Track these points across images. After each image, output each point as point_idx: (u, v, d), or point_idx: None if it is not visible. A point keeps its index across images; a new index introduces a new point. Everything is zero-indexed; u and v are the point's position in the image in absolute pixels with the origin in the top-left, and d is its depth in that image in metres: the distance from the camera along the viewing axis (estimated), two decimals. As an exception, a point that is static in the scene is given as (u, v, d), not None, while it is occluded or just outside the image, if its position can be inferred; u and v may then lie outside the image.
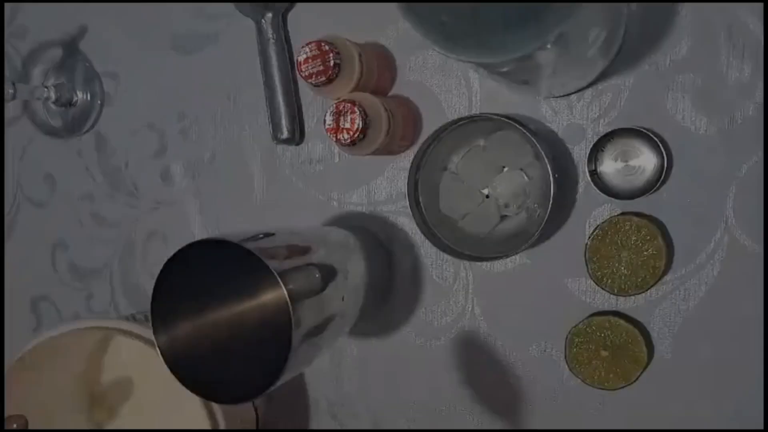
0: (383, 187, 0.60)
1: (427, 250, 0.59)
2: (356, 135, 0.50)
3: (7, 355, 0.76)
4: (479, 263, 0.57)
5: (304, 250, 0.49)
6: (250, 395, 0.45)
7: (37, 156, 0.74)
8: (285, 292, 0.42)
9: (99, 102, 0.70)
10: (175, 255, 0.45)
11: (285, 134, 0.61)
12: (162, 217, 0.69)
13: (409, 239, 0.60)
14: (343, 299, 0.49)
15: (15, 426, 0.45)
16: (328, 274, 0.48)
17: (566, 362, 0.53)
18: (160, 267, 0.69)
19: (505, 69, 0.41)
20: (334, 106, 0.51)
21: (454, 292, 0.59)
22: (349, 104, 0.50)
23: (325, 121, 0.51)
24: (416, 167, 0.53)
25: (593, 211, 0.54)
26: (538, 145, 0.48)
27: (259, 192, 0.65)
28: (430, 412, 0.60)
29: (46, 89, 0.68)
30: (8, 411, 0.49)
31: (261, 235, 0.47)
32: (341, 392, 0.63)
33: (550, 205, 0.49)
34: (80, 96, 0.70)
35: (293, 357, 0.42)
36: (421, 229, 0.53)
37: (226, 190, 0.66)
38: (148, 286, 0.70)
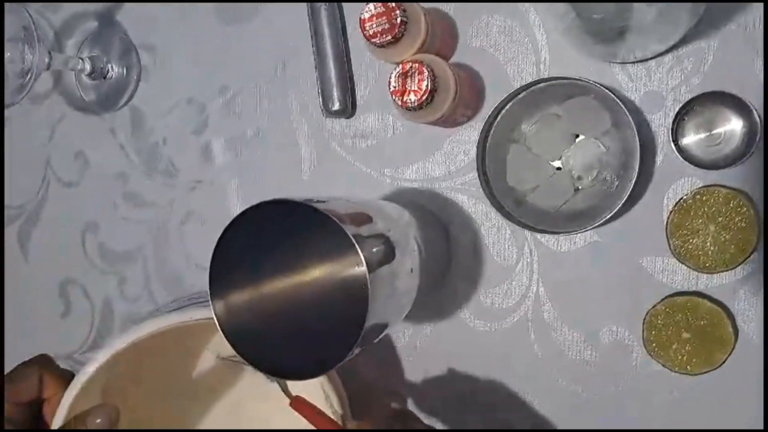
0: (440, 162, 0.57)
1: (488, 228, 0.55)
2: (424, 97, 0.46)
3: (35, 341, 0.73)
4: (545, 242, 0.53)
5: (367, 219, 0.45)
6: (319, 370, 0.41)
7: (68, 133, 0.71)
8: (362, 258, 0.38)
9: (135, 76, 0.67)
10: (235, 219, 0.41)
11: (337, 106, 0.57)
12: (200, 198, 0.65)
13: (468, 217, 0.56)
14: (411, 271, 0.45)
15: (98, 421, 0.41)
16: (397, 243, 0.44)
17: (644, 346, 0.50)
18: (199, 249, 0.66)
19: (600, 14, 0.37)
20: (401, 66, 0.47)
21: (517, 273, 0.55)
22: (417, 64, 0.47)
23: (390, 82, 0.48)
24: (485, 135, 0.49)
25: (672, 185, 0.50)
26: (625, 109, 0.44)
27: (307, 169, 0.61)
28: (488, 401, 0.56)
29: (81, 60, 0.65)
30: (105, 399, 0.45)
31: (318, 200, 0.44)
32: (396, 379, 0.59)
33: (635, 176, 0.45)
34: (116, 69, 0.67)
35: (367, 329, 0.38)
36: (491, 201, 0.49)
37: (271, 167, 0.62)
38: (185, 270, 0.66)
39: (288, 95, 0.61)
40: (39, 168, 0.72)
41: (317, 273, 0.47)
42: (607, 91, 0.45)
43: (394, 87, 0.47)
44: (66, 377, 0.46)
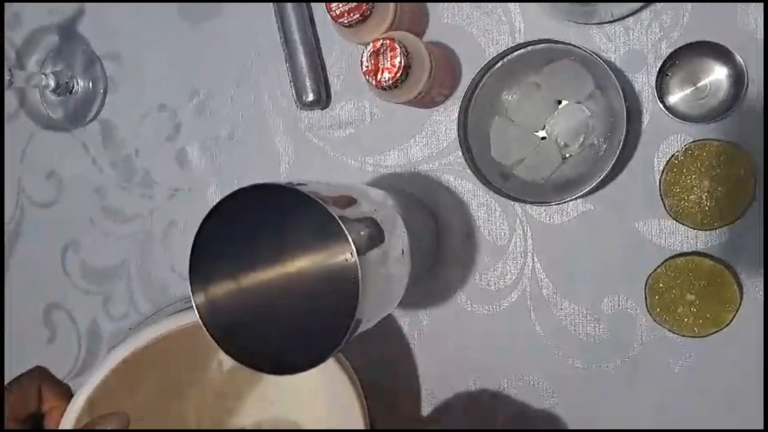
0: (421, 145, 0.55)
1: (477, 208, 0.54)
2: (398, 74, 0.45)
3: (22, 369, 0.70)
4: (537, 216, 0.52)
5: (351, 201, 0.43)
6: (310, 363, 0.38)
7: (38, 153, 0.69)
8: (350, 240, 0.36)
9: (102, 87, 0.65)
10: (214, 208, 0.39)
11: (310, 96, 0.55)
12: (181, 205, 0.63)
13: (456, 198, 0.54)
14: (402, 254, 0.43)
15: (110, 428, 0.39)
16: (384, 225, 0.42)
17: (648, 312, 0.48)
18: (183, 258, 0.64)
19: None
20: (372, 45, 0.45)
21: (511, 251, 0.53)
22: (388, 41, 0.45)
23: (362, 62, 0.46)
24: (465, 110, 0.48)
25: (661, 144, 0.49)
26: (608, 69, 0.43)
27: (286, 164, 0.59)
28: (492, 385, 0.54)
29: (44, 76, 0.63)
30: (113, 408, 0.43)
31: (299, 183, 0.42)
32: (393, 368, 0.57)
33: (623, 137, 0.44)
34: (81, 83, 0.65)
35: (359, 316, 0.36)
36: (477, 177, 0.48)
37: (249, 166, 0.60)
38: (170, 281, 0.64)
39: (260, 91, 0.59)
40: (11, 192, 0.70)
41: (302, 261, 0.45)
42: (587, 51, 0.43)
43: (367, 67, 0.45)
44: (65, 389, 0.45)
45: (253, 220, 0.42)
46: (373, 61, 0.45)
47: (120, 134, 0.65)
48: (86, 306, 0.68)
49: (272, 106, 0.59)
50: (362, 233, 0.39)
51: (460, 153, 0.53)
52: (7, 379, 0.49)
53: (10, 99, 0.69)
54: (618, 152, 0.44)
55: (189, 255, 0.40)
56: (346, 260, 0.55)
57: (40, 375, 0.45)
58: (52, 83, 0.63)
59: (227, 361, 0.56)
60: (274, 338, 0.43)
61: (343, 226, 0.36)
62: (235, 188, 0.59)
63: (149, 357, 0.47)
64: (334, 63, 0.57)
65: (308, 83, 0.55)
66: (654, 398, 0.51)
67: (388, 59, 0.45)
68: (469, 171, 0.53)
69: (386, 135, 0.56)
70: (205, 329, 0.39)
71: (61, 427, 0.43)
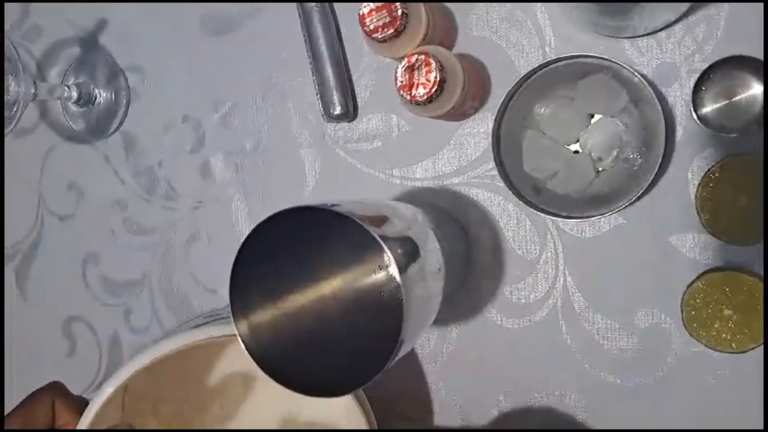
0: (450, 158, 0.55)
1: (506, 221, 0.53)
2: (434, 89, 0.44)
3: (42, 383, 0.70)
4: (568, 230, 0.51)
5: (384, 219, 0.43)
6: (355, 383, 0.38)
7: (59, 165, 0.68)
8: (391, 258, 0.35)
9: (125, 99, 0.64)
10: (251, 234, 0.39)
11: (338, 110, 0.55)
12: (204, 217, 0.63)
13: (485, 212, 0.54)
14: (439, 271, 0.42)
15: None
16: (419, 241, 0.42)
17: (685, 328, 0.47)
18: (207, 270, 0.64)
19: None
20: (406, 60, 0.45)
21: (542, 265, 0.53)
22: (423, 56, 0.45)
23: (396, 77, 0.45)
24: (498, 122, 0.47)
25: (696, 158, 0.48)
26: (645, 82, 0.43)
27: (312, 177, 0.59)
28: (521, 400, 0.54)
29: (67, 88, 0.62)
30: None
31: (333, 204, 0.41)
32: (420, 390, 0.57)
33: (662, 150, 0.43)
34: (103, 94, 0.65)
35: (404, 336, 0.36)
36: (511, 190, 0.47)
37: (275, 179, 0.60)
38: (193, 294, 0.64)
39: (286, 103, 0.59)
40: (31, 204, 0.70)
41: (336, 282, 0.44)
42: (624, 66, 0.43)
43: (401, 82, 0.45)
44: (80, 405, 0.44)
45: (289, 242, 0.42)
46: (407, 76, 0.45)
47: (142, 146, 0.64)
48: (107, 318, 0.68)
49: (298, 118, 0.59)
50: (400, 251, 0.38)
51: (490, 166, 0.53)
52: (23, 394, 0.49)
53: (31, 110, 0.68)
54: (658, 166, 0.44)
55: (229, 280, 0.39)
56: (380, 280, 0.54)
57: (53, 390, 0.45)
58: (74, 95, 0.63)
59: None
60: (315, 362, 0.42)
61: (384, 246, 0.36)
62: (260, 200, 0.60)
63: (165, 370, 0.47)
64: (361, 75, 0.56)
65: (335, 96, 0.55)
66: (687, 414, 0.50)
67: (423, 74, 0.45)
68: (498, 184, 0.53)
69: (414, 148, 0.55)
70: (248, 354, 0.38)
71: None
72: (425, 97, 0.45)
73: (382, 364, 0.37)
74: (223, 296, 0.63)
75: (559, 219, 0.51)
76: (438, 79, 0.44)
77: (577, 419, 0.53)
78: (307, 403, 0.54)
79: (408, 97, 0.45)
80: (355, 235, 0.42)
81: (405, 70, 0.45)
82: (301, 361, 0.41)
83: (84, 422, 0.43)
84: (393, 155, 0.56)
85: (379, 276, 0.51)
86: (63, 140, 0.68)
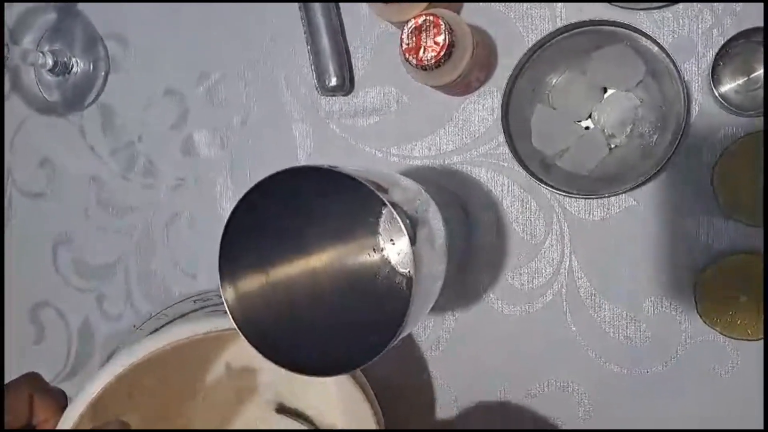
0: (452, 134, 0.51)
1: (510, 202, 0.50)
2: (443, 52, 0.41)
3: (9, 374, 0.65)
4: (575, 212, 0.49)
5: (387, 189, 0.39)
6: (350, 364, 0.35)
7: (30, 139, 0.64)
8: (402, 226, 0.32)
9: (103, 69, 0.60)
10: (246, 195, 0.35)
11: (334, 81, 0.52)
12: (186, 196, 0.59)
13: (488, 192, 0.51)
14: (446, 248, 0.39)
15: None
16: (423, 216, 0.39)
17: (699, 315, 0.45)
18: (188, 254, 0.59)
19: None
20: (413, 21, 0.42)
21: (546, 249, 0.50)
22: (432, 17, 0.41)
23: (402, 39, 0.42)
24: (508, 94, 0.44)
25: (712, 136, 0.46)
26: (667, 52, 0.40)
27: (304, 154, 0.55)
28: (522, 391, 0.51)
29: (41, 54, 0.58)
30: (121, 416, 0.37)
31: (329, 166, 0.38)
32: (417, 378, 0.53)
33: (683, 126, 0.41)
34: (80, 64, 0.60)
35: (411, 315, 0.33)
36: (521, 165, 0.44)
37: (263, 156, 0.56)
38: (172, 279, 0.60)
39: (277, 76, 0.55)
40: (-1, 181, 0.65)
41: (331, 258, 0.41)
42: (644, 33, 0.40)
43: (407, 44, 0.42)
44: (59, 399, 0.40)
45: (278, 210, 0.38)
46: (414, 39, 0.42)
47: (121, 120, 0.60)
48: (78, 304, 0.63)
49: (290, 91, 0.55)
50: (407, 222, 0.35)
51: (494, 144, 0.50)
52: None
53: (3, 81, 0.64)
54: (677, 143, 0.41)
55: (219, 244, 0.35)
56: (370, 255, 0.51)
57: (31, 383, 0.40)
58: (50, 62, 0.58)
59: (235, 364, 0.52)
60: (307, 339, 0.39)
61: (395, 212, 0.33)
62: (247, 179, 0.56)
63: (153, 364, 0.42)
64: (359, 47, 0.53)
65: (331, 66, 0.52)
66: (696, 405, 0.48)
67: (431, 36, 0.41)
68: (503, 163, 0.50)
69: (414, 124, 0.52)
70: (239, 332, 0.35)
71: None
72: (433, 61, 0.41)
73: (379, 347, 0.33)
74: (203, 282, 0.59)
75: (566, 200, 0.48)
76: (447, 42, 0.41)
77: (581, 410, 0.50)
78: (301, 394, 0.50)
79: (414, 61, 0.42)
80: (355, 203, 0.39)
81: (412, 32, 0.42)
82: (294, 340, 0.37)
83: (67, 422, 0.38)
84: (391, 131, 0.53)
85: (374, 258, 0.48)
86: (35, 113, 0.63)
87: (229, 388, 0.52)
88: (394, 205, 0.33)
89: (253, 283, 0.37)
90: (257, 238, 0.38)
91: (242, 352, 0.50)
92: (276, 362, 0.34)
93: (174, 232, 0.59)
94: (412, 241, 0.33)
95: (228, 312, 0.34)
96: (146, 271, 0.60)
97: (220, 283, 0.35)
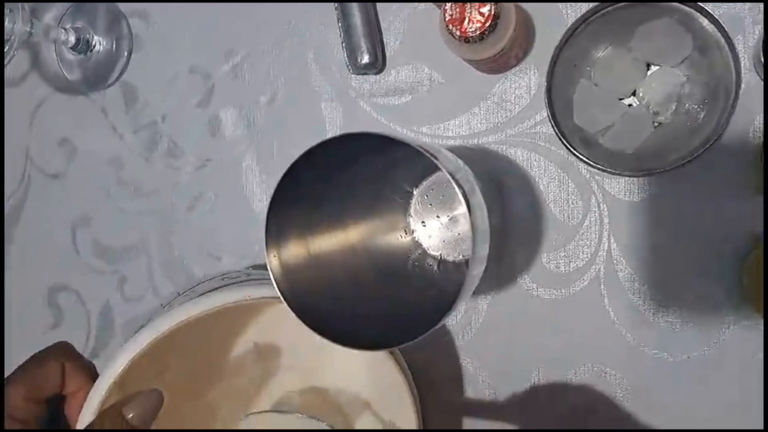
0: (487, 113, 0.50)
1: (547, 183, 0.49)
2: (487, 24, 0.40)
3: (22, 358, 0.63)
4: (615, 193, 0.47)
5: (436, 157, 0.38)
6: (398, 340, 0.33)
7: (50, 118, 0.62)
8: (462, 199, 0.31)
9: (126, 47, 0.58)
10: (293, 164, 0.34)
11: (366, 58, 0.50)
12: (210, 177, 0.57)
13: (524, 173, 0.49)
14: (489, 222, 0.38)
15: (130, 416, 0.33)
16: (470, 187, 0.37)
17: (742, 299, 0.43)
18: (211, 236, 0.58)
19: None
20: (457, -8, 0.40)
21: (584, 230, 0.48)
22: (477, -13, 0.40)
23: (445, 10, 0.41)
24: (551, 69, 0.43)
25: (758, 115, 0.44)
26: (720, 23, 0.39)
27: (333, 134, 0.53)
28: (558, 376, 0.50)
29: (63, 30, 0.56)
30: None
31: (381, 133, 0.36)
32: (447, 364, 0.52)
33: (732, 101, 0.39)
34: (103, 42, 0.59)
35: (470, 282, 0.31)
36: (563, 142, 0.43)
37: (291, 135, 0.55)
38: (195, 261, 0.58)
39: (306, 53, 0.54)
40: (17, 161, 0.63)
41: (369, 234, 0.40)
42: (696, 6, 0.39)
43: (451, 15, 0.40)
44: (91, 370, 0.38)
45: (320, 180, 0.37)
46: (458, 10, 0.40)
47: (144, 98, 0.59)
48: (98, 287, 0.61)
49: (319, 69, 0.54)
50: (463, 191, 0.34)
51: (531, 123, 0.49)
52: (6, 371, 0.43)
53: (21, 58, 0.62)
54: (727, 120, 0.40)
55: (266, 214, 0.34)
56: (401, 237, 0.50)
57: (63, 352, 0.39)
58: (72, 39, 0.57)
59: (261, 342, 0.50)
60: (345, 313, 0.38)
61: (452, 180, 0.31)
62: (274, 159, 0.54)
63: (182, 337, 0.41)
64: (391, 24, 0.52)
65: (364, 43, 0.50)
66: (735, 392, 0.46)
67: (476, 7, 0.40)
68: (540, 143, 0.48)
69: (447, 103, 0.51)
70: (282, 299, 0.33)
71: (84, 412, 0.36)
72: (477, 32, 0.40)
73: (419, 327, 0.32)
74: (227, 264, 0.57)
75: (606, 180, 0.47)
76: (492, 13, 0.40)
77: (618, 396, 0.48)
78: (333, 374, 0.49)
79: (458, 33, 0.40)
80: (386, 183, 0.38)
81: (456, 2, 0.40)
82: (334, 314, 0.36)
83: (96, 394, 0.36)
84: (423, 111, 0.51)
85: (405, 240, 0.47)
86: (55, 91, 0.61)
87: (253, 368, 0.50)
88: (451, 174, 0.32)
89: (295, 256, 0.36)
90: (299, 210, 0.36)
91: (268, 332, 0.48)
92: (321, 334, 0.33)
93: (197, 213, 0.58)
94: (470, 210, 0.31)
95: (273, 282, 0.33)
96: (169, 253, 0.59)
97: (266, 252, 0.33)
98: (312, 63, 0.54)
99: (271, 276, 0.33)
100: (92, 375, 0.38)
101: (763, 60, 0.40)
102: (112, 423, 0.32)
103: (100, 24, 0.58)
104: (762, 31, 0.43)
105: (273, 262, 0.34)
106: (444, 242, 0.50)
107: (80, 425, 0.36)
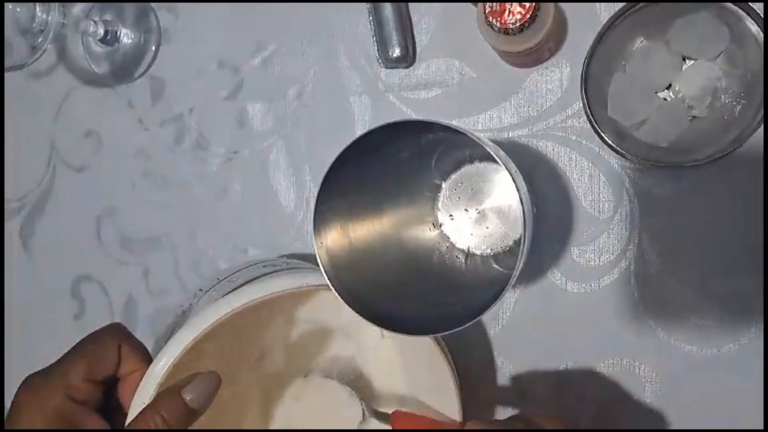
0: (518, 106, 0.50)
1: (578, 177, 0.49)
2: (528, 15, 0.40)
3: (46, 349, 0.63)
4: (646, 186, 0.47)
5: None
6: (437, 328, 0.33)
7: (76, 110, 0.62)
8: (517, 188, 0.30)
9: (154, 40, 0.58)
10: (342, 153, 0.33)
11: (397, 52, 0.50)
12: (236, 170, 0.57)
13: (554, 167, 0.49)
14: (534, 211, 0.38)
15: (189, 398, 0.32)
16: (514, 175, 0.37)
17: (778, 290, 0.43)
18: (238, 228, 0.58)
19: None
20: (498, -17, 0.40)
21: (614, 225, 0.48)
22: (517, -20, 0.40)
23: (485, 4, 0.41)
24: (588, 61, 0.43)
25: (791, 111, 0.44)
26: (762, 19, 0.38)
27: (361, 128, 0.53)
28: (586, 369, 0.49)
29: (93, 23, 0.56)
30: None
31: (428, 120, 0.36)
32: (479, 350, 0.52)
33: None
34: (131, 35, 0.58)
35: (517, 271, 0.31)
36: (597, 134, 0.43)
37: (320, 129, 0.54)
38: (221, 253, 0.58)
39: (335, 46, 0.54)
40: (42, 153, 0.63)
41: (402, 225, 0.39)
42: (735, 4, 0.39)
43: (491, 7, 0.40)
44: (146, 352, 0.38)
45: (359, 171, 0.36)
46: (498, 2, 0.40)
47: (171, 91, 0.58)
48: (122, 279, 0.61)
49: (349, 62, 0.53)
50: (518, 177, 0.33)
51: (563, 116, 0.48)
52: (23, 359, 0.43)
53: (48, 51, 0.61)
54: (764, 113, 0.39)
55: (313, 209, 0.34)
56: (430, 230, 0.49)
57: (119, 333, 0.38)
58: (101, 31, 0.56)
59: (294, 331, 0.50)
60: (385, 300, 0.37)
61: (508, 171, 0.31)
62: (302, 153, 0.54)
63: (238, 322, 0.41)
64: (422, 18, 0.51)
65: (395, 37, 0.50)
66: (763, 385, 0.46)
67: (517, 2, 0.40)
68: (571, 137, 0.48)
69: (477, 96, 0.50)
70: (332, 289, 0.33)
71: (139, 393, 0.36)
72: (518, 24, 0.40)
73: (459, 318, 0.32)
74: (254, 257, 0.57)
75: (637, 175, 0.47)
76: (533, 4, 0.39)
77: (648, 390, 0.48)
78: (369, 356, 0.48)
79: (498, 25, 0.40)
80: (419, 177, 0.37)
81: (495, 1, 0.40)
82: (375, 301, 0.35)
83: (153, 375, 0.36)
84: (453, 104, 0.51)
85: (433, 233, 0.47)
86: (82, 84, 0.61)
87: (282, 357, 0.50)
88: (506, 163, 0.32)
89: (339, 246, 0.35)
90: (342, 202, 0.36)
91: (304, 316, 0.48)
92: (371, 320, 0.32)
93: (224, 205, 0.58)
94: (521, 197, 0.31)
95: (321, 268, 0.33)
96: (194, 246, 0.58)
97: (314, 239, 0.33)
98: (342, 56, 0.53)
99: (321, 265, 0.33)
100: (146, 357, 0.38)
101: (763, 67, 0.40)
102: (171, 404, 0.32)
103: (128, 17, 0.58)
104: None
105: (321, 251, 0.33)
106: (472, 236, 0.50)
107: (135, 407, 0.35)
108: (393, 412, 0.41)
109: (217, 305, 0.36)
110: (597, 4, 0.47)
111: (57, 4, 0.50)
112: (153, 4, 0.58)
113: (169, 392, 0.33)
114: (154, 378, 0.35)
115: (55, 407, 0.34)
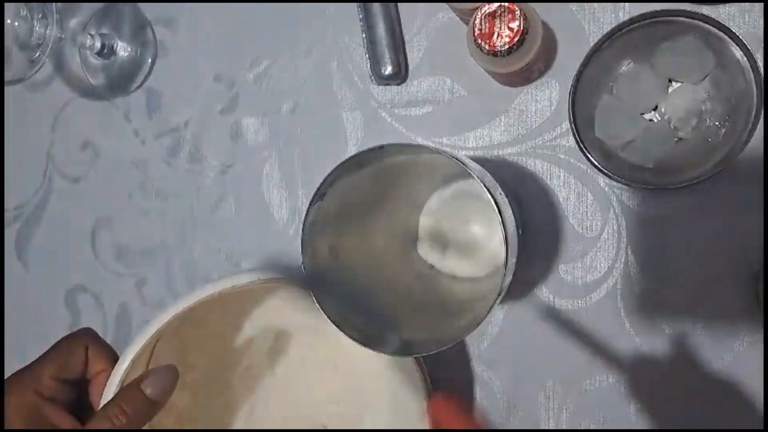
0: (507, 125, 0.50)
1: (566, 195, 0.49)
2: (516, 39, 0.40)
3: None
4: (633, 206, 0.47)
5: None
6: (420, 348, 0.33)
7: (72, 122, 0.62)
8: (494, 204, 0.31)
9: (150, 54, 0.58)
10: (333, 171, 0.34)
11: (390, 69, 0.50)
12: (231, 183, 0.57)
13: (543, 185, 0.49)
14: (519, 233, 0.38)
15: (149, 391, 0.33)
16: (500, 197, 0.37)
17: (764, 310, 0.43)
18: (232, 240, 0.58)
19: None
20: (487, 7, 0.40)
21: (602, 243, 0.48)
22: (506, 4, 0.40)
23: (474, 25, 0.41)
24: (576, 83, 0.43)
25: (776, 133, 0.44)
26: (742, 41, 0.39)
27: (354, 143, 0.54)
28: (573, 387, 0.49)
29: (90, 36, 0.56)
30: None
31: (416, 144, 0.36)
32: (465, 365, 0.52)
33: (752, 120, 0.39)
34: (128, 48, 0.59)
35: (502, 291, 0.31)
36: (584, 155, 0.43)
37: (312, 143, 0.55)
38: (215, 265, 0.58)
39: (329, 63, 0.54)
40: (39, 164, 0.63)
41: (385, 244, 0.39)
42: (719, 24, 0.39)
43: (480, 30, 0.41)
44: (113, 353, 0.40)
45: (348, 190, 0.37)
46: (487, 24, 0.40)
47: (167, 104, 0.59)
48: (116, 289, 0.61)
49: (342, 79, 0.54)
50: (498, 199, 0.34)
51: (551, 135, 0.49)
52: (19, 367, 0.43)
53: (45, 64, 0.62)
54: (746, 136, 0.40)
55: (303, 222, 0.34)
56: (414, 251, 0.49)
57: (87, 336, 0.40)
58: (98, 44, 0.57)
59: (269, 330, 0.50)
60: (366, 316, 0.38)
61: (487, 191, 0.31)
62: (295, 167, 0.54)
63: (190, 332, 0.41)
64: (414, 36, 0.52)
65: (388, 55, 0.50)
66: (754, 404, 0.46)
67: (505, 23, 0.40)
68: (560, 156, 0.48)
69: (468, 115, 0.51)
70: (319, 305, 0.33)
71: (106, 390, 0.37)
72: (506, 47, 0.40)
73: (445, 337, 0.32)
74: (246, 268, 0.57)
75: (624, 194, 0.47)
76: (521, 28, 0.40)
77: (632, 407, 0.48)
78: (346, 361, 0.48)
79: (486, 47, 0.40)
80: (403, 195, 0.38)
81: (485, 17, 0.40)
82: (357, 317, 0.36)
83: (117, 372, 0.37)
84: (444, 122, 0.51)
85: (419, 253, 0.47)
86: (79, 96, 0.61)
87: (263, 355, 0.50)
88: (490, 187, 0.32)
89: (326, 259, 0.35)
90: (330, 220, 0.36)
91: (279, 320, 0.48)
92: (358, 341, 0.33)
93: (218, 218, 0.58)
94: (502, 218, 0.31)
95: (310, 291, 0.33)
96: (189, 257, 0.59)
97: (302, 254, 0.33)
98: (335, 73, 0.54)
99: (306, 283, 0.33)
100: (114, 357, 0.40)
101: (762, 72, 0.40)
102: (132, 398, 0.33)
103: (126, 30, 0.58)
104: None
105: (307, 267, 0.34)
106: (458, 254, 0.50)
107: (103, 403, 0.36)
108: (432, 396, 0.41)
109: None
110: (586, 26, 0.47)
111: (55, 18, 0.50)
112: (150, 18, 0.58)
113: (130, 387, 0.34)
114: (118, 375, 0.37)
115: (27, 403, 0.36)
